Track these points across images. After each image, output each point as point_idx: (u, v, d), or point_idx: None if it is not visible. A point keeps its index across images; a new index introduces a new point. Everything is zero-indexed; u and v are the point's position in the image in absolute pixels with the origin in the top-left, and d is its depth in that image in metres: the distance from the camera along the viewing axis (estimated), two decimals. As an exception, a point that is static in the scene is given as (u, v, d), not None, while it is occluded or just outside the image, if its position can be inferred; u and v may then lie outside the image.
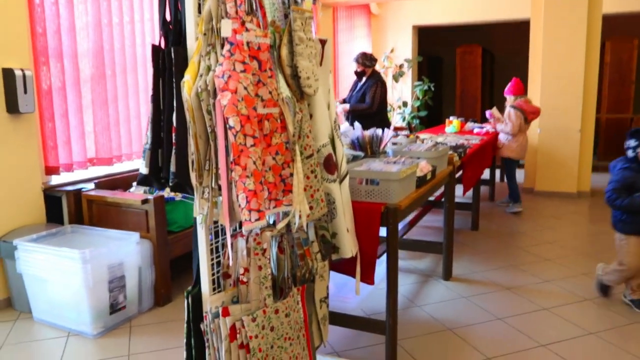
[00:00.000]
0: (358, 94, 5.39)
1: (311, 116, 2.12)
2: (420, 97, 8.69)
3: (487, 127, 5.94)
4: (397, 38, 8.93)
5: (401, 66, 8.85)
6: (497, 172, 7.39)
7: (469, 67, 9.80)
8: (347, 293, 3.50)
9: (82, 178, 3.87)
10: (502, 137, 5.65)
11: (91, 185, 3.76)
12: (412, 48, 8.91)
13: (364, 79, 5.46)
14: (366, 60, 5.34)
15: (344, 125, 5.26)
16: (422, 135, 5.08)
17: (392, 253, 2.44)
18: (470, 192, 4.86)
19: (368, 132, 2.94)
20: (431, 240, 4.25)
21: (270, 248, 1.96)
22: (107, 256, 3.03)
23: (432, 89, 8.57)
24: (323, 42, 2.17)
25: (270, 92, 1.83)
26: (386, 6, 8.88)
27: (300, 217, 1.91)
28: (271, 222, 2.13)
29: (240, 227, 1.98)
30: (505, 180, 5.86)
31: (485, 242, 4.60)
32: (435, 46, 11.50)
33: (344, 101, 5.50)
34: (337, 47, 7.57)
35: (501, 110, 6.08)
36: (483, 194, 6.48)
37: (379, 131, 2.97)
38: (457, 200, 4.52)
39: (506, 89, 5.72)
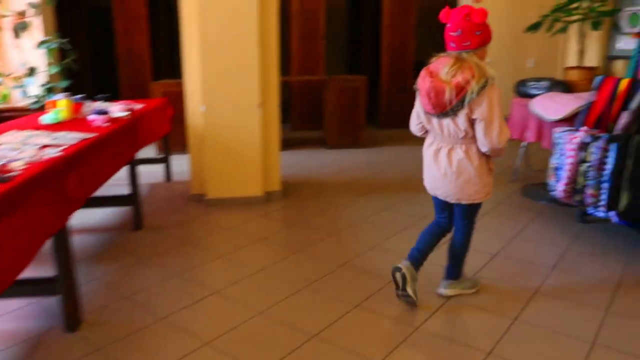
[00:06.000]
0: None
1: None
2: (54, 61, 5.91)
3: (119, 111, 3.69)
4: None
5: (22, 14, 5.86)
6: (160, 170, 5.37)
7: (132, 16, 7.33)
8: None
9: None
10: None
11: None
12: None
13: None
14: None
15: None
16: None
17: None
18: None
19: None
20: None
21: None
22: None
23: (70, 47, 5.87)
24: None
25: None
26: None
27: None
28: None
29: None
30: None
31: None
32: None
33: None
34: None
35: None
36: (124, 220, 4.20)
37: None
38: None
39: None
